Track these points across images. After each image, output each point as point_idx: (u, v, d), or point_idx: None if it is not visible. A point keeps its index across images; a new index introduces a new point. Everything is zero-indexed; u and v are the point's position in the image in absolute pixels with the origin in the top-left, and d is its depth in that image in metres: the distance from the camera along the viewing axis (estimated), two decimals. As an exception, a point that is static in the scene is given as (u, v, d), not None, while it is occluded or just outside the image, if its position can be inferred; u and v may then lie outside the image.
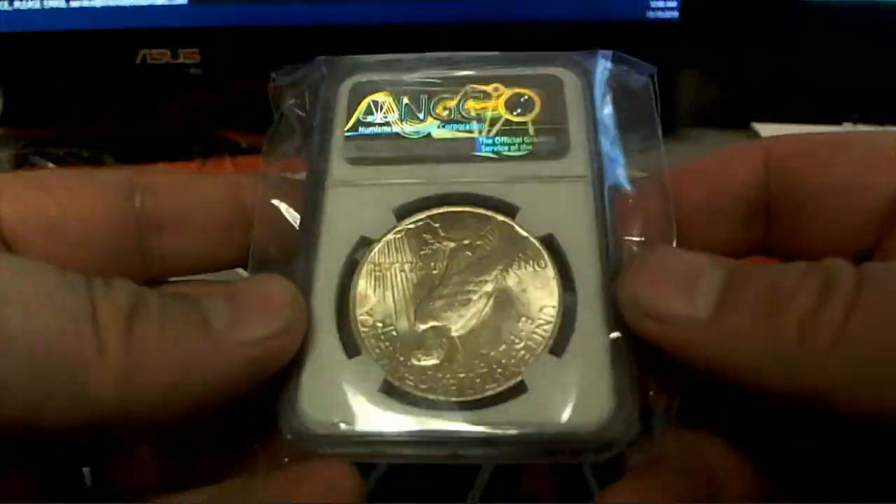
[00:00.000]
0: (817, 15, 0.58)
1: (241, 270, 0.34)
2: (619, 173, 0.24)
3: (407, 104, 0.26)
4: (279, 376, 0.21)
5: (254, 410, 0.21)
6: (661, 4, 0.56)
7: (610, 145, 0.25)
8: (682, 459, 0.21)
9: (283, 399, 0.21)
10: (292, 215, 0.24)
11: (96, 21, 0.55)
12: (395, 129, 0.25)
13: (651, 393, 0.21)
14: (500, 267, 0.22)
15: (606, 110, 0.25)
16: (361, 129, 0.25)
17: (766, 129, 0.57)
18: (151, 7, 0.55)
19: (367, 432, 0.20)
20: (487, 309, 0.22)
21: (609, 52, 0.26)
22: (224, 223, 0.24)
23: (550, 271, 0.22)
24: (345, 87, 0.26)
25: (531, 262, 0.22)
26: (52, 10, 0.55)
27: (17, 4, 0.55)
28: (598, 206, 0.23)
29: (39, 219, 0.22)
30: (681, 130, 0.68)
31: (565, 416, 0.20)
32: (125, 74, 0.58)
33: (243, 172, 0.25)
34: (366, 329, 0.22)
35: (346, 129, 0.25)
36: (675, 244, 0.23)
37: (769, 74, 0.63)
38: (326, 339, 0.21)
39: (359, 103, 0.26)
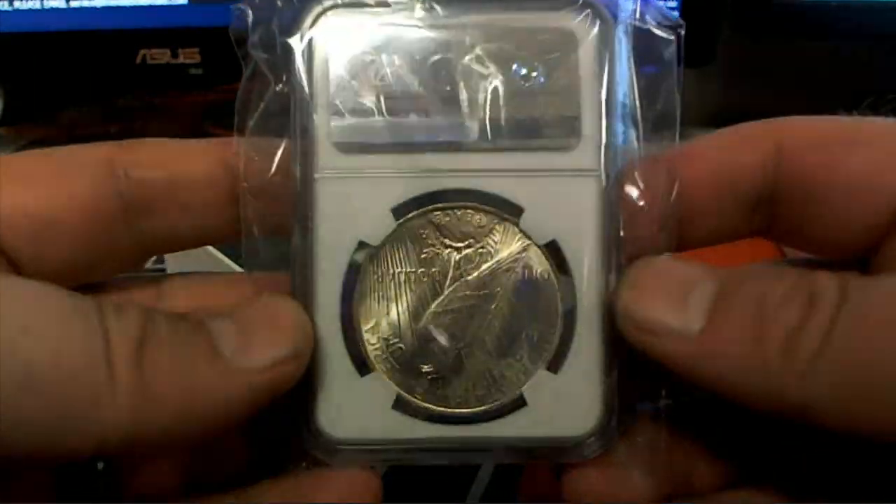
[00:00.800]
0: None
1: (211, 248, 0.33)
2: (630, 155, 0.22)
3: (399, 70, 0.22)
4: (294, 393, 0.21)
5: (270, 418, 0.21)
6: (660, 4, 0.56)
7: (622, 123, 0.22)
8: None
9: (299, 417, 0.21)
10: (280, 189, 0.22)
11: (96, 21, 0.55)
12: (387, 104, 0.22)
13: (636, 394, 0.23)
14: (503, 277, 0.22)
15: (624, 77, 0.22)
16: (349, 107, 0.22)
17: (766, 129, 0.57)
18: (151, 7, 0.55)
19: (381, 446, 0.22)
20: (491, 322, 0.22)
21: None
22: (214, 197, 0.22)
23: (553, 283, 0.22)
24: (324, 46, 0.22)
25: (535, 271, 0.22)
26: (52, 10, 0.55)
27: (17, 4, 0.55)
28: (605, 208, 0.22)
29: (22, 219, 0.21)
30: (681, 130, 0.68)
31: (560, 428, 0.22)
32: (125, 74, 0.58)
33: (231, 138, 0.23)
34: (373, 345, 0.22)
35: (331, 106, 0.22)
36: (677, 238, 0.23)
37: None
38: (336, 357, 0.22)
39: (343, 69, 0.22)
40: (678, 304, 0.20)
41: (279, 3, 0.22)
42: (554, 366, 0.22)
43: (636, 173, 0.23)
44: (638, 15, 0.23)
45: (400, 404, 0.22)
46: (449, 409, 0.22)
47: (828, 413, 0.18)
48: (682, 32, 0.23)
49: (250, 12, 0.22)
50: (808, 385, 0.18)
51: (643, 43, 0.23)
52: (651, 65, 0.22)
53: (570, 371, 0.22)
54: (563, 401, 0.22)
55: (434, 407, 0.22)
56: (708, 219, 0.23)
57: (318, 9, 0.22)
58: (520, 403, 0.22)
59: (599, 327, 0.22)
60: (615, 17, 0.22)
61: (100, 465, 0.22)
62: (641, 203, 0.22)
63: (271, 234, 0.23)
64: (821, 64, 0.67)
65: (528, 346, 0.22)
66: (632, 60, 0.22)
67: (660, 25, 0.23)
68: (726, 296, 0.20)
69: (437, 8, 0.22)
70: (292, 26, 0.22)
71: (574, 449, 0.22)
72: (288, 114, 0.22)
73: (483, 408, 0.22)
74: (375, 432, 0.21)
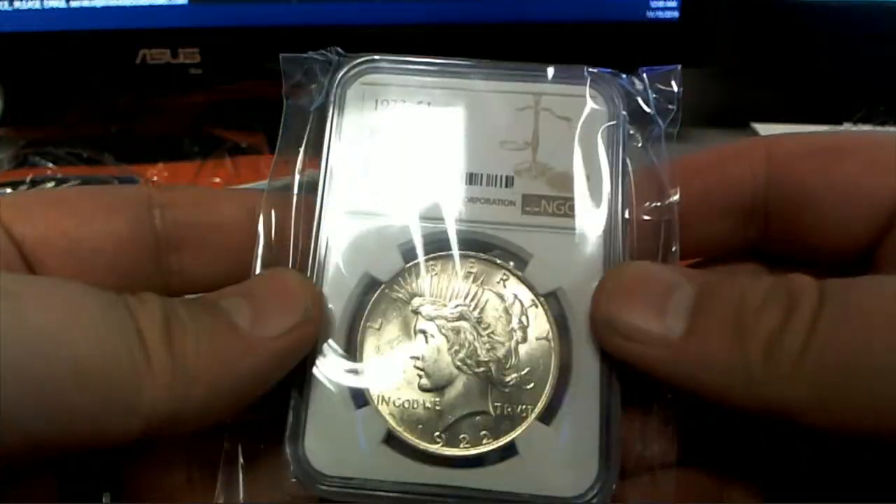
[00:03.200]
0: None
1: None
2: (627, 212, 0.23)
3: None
4: (290, 418, 0.22)
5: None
6: (661, 4, 0.56)
7: (622, 186, 0.23)
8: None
9: (291, 443, 0.22)
10: (292, 234, 0.23)
11: (96, 21, 0.55)
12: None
13: (637, 448, 0.22)
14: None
15: (626, 145, 0.24)
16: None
17: (766, 130, 0.57)
18: (151, 7, 0.55)
19: (367, 481, 0.22)
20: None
21: (636, 76, 0.24)
22: (241, 243, 0.24)
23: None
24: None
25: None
26: (52, 10, 0.55)
27: (17, 4, 0.55)
28: (609, 265, 0.23)
29: (60, 240, 0.22)
30: (681, 130, 0.68)
31: (552, 484, 0.21)
32: (125, 74, 0.58)
33: (258, 190, 0.24)
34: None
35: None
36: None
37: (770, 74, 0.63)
38: (335, 387, 0.22)
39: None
40: (658, 309, 0.20)
41: (322, 66, 0.24)
42: (546, 418, 0.22)
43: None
44: (636, 91, 0.24)
45: (390, 439, 0.22)
46: (439, 450, 0.22)
47: (812, 414, 0.18)
48: (675, 131, 0.24)
49: (295, 67, 0.24)
50: (791, 386, 0.18)
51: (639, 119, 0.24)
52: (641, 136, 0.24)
53: (564, 425, 0.22)
54: (556, 456, 0.22)
55: (424, 445, 0.22)
56: (698, 230, 0.23)
57: (353, 70, 0.24)
58: (510, 452, 0.22)
59: (595, 385, 0.22)
60: (621, 94, 0.24)
61: (105, 501, 0.22)
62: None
63: None
64: (821, 64, 0.66)
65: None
66: (627, 130, 0.24)
67: (657, 102, 0.24)
68: (706, 299, 0.20)
69: (460, 76, 0.24)
70: (331, 83, 0.24)
71: None
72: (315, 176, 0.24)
73: (473, 451, 0.22)
74: (360, 471, 0.22)
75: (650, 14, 0.56)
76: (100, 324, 0.18)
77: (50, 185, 0.55)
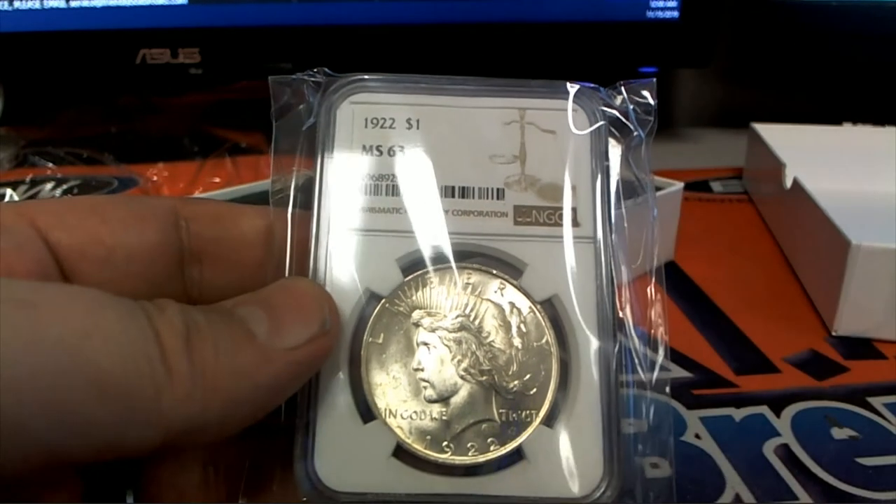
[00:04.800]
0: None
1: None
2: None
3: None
4: (299, 436, 0.22)
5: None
6: (661, 4, 0.56)
7: (608, 195, 0.24)
8: None
9: (300, 460, 0.22)
10: (287, 256, 0.24)
11: (96, 21, 0.55)
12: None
13: (639, 447, 0.23)
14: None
15: (610, 157, 0.25)
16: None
17: (766, 130, 0.57)
18: (151, 7, 0.55)
19: (379, 495, 0.22)
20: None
21: (615, 89, 0.25)
22: (260, 259, 0.24)
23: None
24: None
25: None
26: (52, 10, 0.55)
27: (17, 4, 0.55)
28: (601, 269, 0.23)
29: (95, 247, 0.22)
30: (681, 130, 0.68)
31: (561, 485, 0.22)
32: (125, 74, 0.58)
33: (281, 208, 0.24)
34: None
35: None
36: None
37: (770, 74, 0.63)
38: (342, 403, 0.22)
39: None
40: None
41: (310, 86, 0.25)
42: (551, 421, 0.22)
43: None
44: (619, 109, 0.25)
45: (399, 452, 0.22)
46: (448, 459, 0.22)
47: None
48: (649, 140, 0.25)
49: (286, 87, 0.24)
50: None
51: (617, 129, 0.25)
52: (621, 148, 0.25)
53: (568, 427, 0.22)
54: (563, 458, 0.22)
55: (434, 455, 0.22)
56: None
57: (342, 89, 0.24)
58: (518, 457, 0.22)
59: (595, 387, 0.23)
60: (601, 109, 0.25)
61: (129, 500, 0.22)
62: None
63: None
64: (821, 64, 0.67)
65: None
66: (608, 141, 0.25)
67: (636, 116, 0.25)
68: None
69: (449, 93, 0.25)
70: (320, 102, 0.24)
71: None
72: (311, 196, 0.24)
73: (481, 459, 0.22)
74: (371, 485, 0.22)
75: (650, 14, 0.56)
76: (119, 333, 0.18)
77: (50, 185, 0.55)
